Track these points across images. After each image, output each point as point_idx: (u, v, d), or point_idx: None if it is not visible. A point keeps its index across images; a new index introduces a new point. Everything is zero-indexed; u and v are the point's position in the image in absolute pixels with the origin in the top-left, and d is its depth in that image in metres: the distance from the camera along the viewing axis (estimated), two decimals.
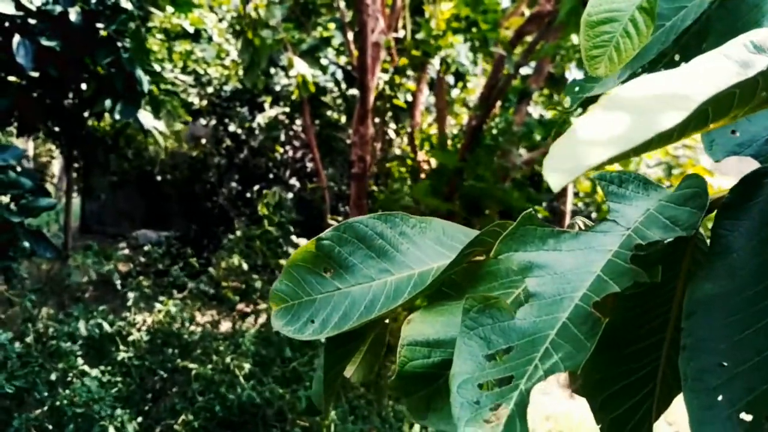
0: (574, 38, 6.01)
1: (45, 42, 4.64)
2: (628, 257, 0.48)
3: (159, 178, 9.19)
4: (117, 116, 4.91)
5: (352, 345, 0.67)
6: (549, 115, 8.13)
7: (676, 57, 0.77)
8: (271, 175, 9.11)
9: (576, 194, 8.34)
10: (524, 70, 6.72)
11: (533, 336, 0.46)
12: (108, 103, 4.98)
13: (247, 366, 3.87)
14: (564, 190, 7.84)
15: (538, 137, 6.77)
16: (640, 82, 0.38)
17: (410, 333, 0.57)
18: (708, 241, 0.52)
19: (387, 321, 0.68)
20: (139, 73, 4.83)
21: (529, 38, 6.11)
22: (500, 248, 0.51)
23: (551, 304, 0.47)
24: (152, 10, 5.20)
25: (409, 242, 0.64)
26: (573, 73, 7.77)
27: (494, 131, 6.35)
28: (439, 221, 0.66)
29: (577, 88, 0.79)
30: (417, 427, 3.94)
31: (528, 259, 0.50)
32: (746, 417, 0.42)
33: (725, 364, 0.44)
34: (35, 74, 4.97)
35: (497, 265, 0.57)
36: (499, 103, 6.57)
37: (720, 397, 0.43)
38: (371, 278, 0.63)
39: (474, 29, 6.27)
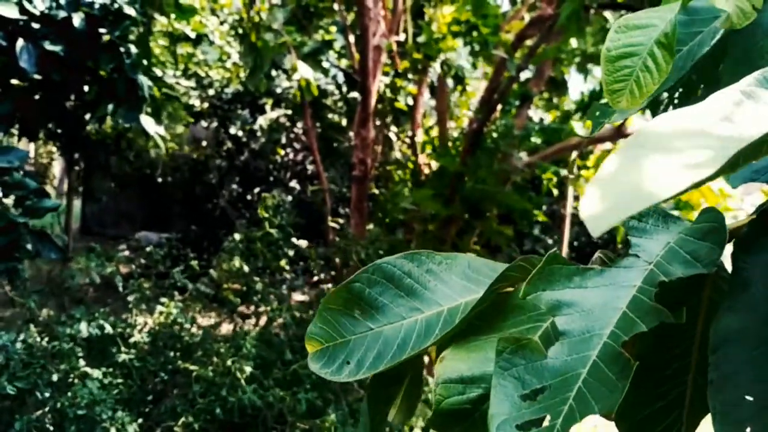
0: (574, 42, 6.04)
1: (48, 46, 4.66)
2: (652, 294, 0.50)
3: (160, 180, 9.20)
4: (119, 120, 4.92)
5: (393, 389, 0.69)
6: (549, 118, 8.15)
7: (694, 77, 0.78)
8: (271, 178, 9.13)
9: (576, 198, 8.35)
10: (525, 74, 6.74)
11: (566, 375, 0.48)
12: (110, 107, 5.00)
13: (248, 368, 3.88)
14: (564, 195, 7.86)
15: (538, 141, 6.79)
16: (677, 120, 0.39)
17: (444, 371, 0.58)
18: (728, 267, 0.53)
19: (423, 359, 0.70)
20: (141, 78, 4.85)
21: (529, 42, 6.13)
22: (528, 289, 0.53)
23: (581, 342, 0.49)
24: (156, 16, 5.22)
25: (436, 279, 0.66)
26: (573, 77, 7.79)
27: (495, 134, 6.36)
28: (464, 256, 0.69)
29: (598, 113, 0.81)
30: (417, 429, 3.95)
31: (555, 297, 0.52)
32: None
33: (753, 397, 0.45)
34: (38, 77, 4.99)
35: (525, 301, 0.58)
36: (500, 107, 6.58)
37: (748, 430, 0.44)
38: (402, 317, 0.64)
39: (475, 33, 6.29)
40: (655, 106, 0.85)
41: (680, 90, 0.80)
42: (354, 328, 0.65)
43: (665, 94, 0.82)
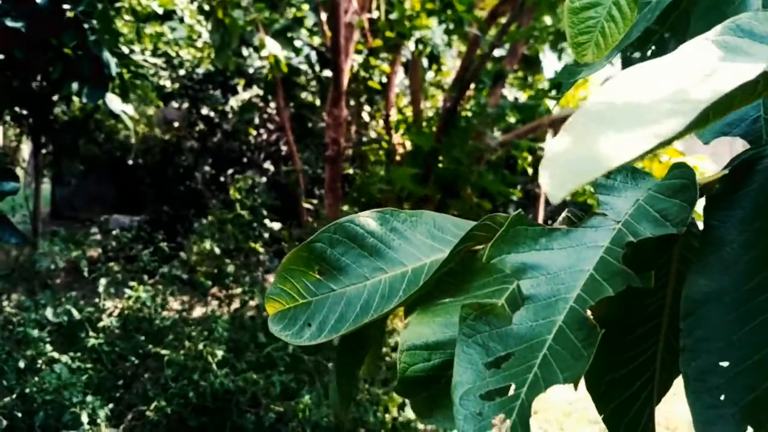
0: (548, 20, 6.01)
1: (9, 23, 4.52)
2: (619, 255, 0.47)
3: (131, 162, 9.07)
4: (84, 100, 4.81)
5: (359, 352, 0.67)
6: (524, 96, 8.13)
7: (666, 34, 0.76)
8: (245, 159, 9.03)
9: None
10: (498, 52, 6.70)
11: (531, 341, 0.46)
12: (75, 86, 4.87)
13: (220, 352, 3.84)
14: (539, 173, 7.85)
15: (512, 119, 6.78)
16: (637, 79, 0.36)
17: (409, 337, 0.57)
18: (699, 224, 0.51)
19: (386, 319, 0.68)
20: (107, 55, 4.73)
21: (502, 20, 6.08)
22: (492, 252, 0.51)
23: (546, 307, 0.47)
24: None
25: (400, 238, 0.64)
26: (547, 55, 7.78)
27: (469, 113, 6.33)
28: (429, 214, 0.66)
29: (567, 74, 0.79)
30: (393, 411, 3.94)
31: (520, 260, 0.50)
32: (750, 415, 0.42)
33: (726, 363, 0.43)
34: (0, 57, 4.85)
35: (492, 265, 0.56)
36: (473, 85, 6.54)
37: (723, 397, 0.43)
38: (365, 278, 0.63)
39: (449, 11, 6.23)
40: (628, 66, 0.82)
41: (653, 48, 0.77)
42: (315, 289, 0.63)
43: (638, 54, 0.79)
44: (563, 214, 0.59)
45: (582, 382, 0.58)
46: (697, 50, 0.39)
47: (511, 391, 0.45)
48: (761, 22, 0.42)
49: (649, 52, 0.77)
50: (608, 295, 0.46)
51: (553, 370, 0.44)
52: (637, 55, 0.79)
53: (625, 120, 0.32)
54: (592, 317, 0.46)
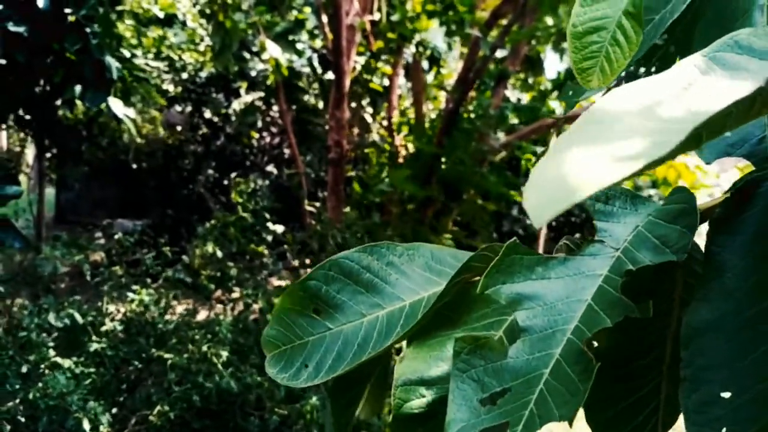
0: (549, 20, 5.99)
1: (12, 27, 4.53)
2: (618, 285, 0.46)
3: (134, 166, 9.07)
4: (87, 103, 4.82)
5: (355, 391, 0.65)
6: (526, 98, 8.12)
7: (671, 48, 0.74)
8: (248, 162, 9.03)
9: None
10: (501, 53, 6.69)
11: (527, 376, 0.45)
12: (77, 90, 4.88)
13: (224, 354, 3.83)
14: None
15: (515, 120, 6.76)
16: (626, 98, 0.35)
17: (403, 372, 0.55)
18: (702, 249, 0.50)
19: (389, 355, 0.67)
20: (109, 59, 4.74)
21: (504, 21, 6.07)
22: (486, 282, 0.50)
23: (543, 339, 0.46)
24: None
25: (397, 272, 0.62)
26: (549, 56, 7.76)
27: (472, 115, 6.32)
28: (426, 246, 0.64)
29: (571, 92, 0.77)
30: None
31: (516, 290, 0.49)
32: None
33: (727, 394, 0.42)
34: (3, 61, 4.86)
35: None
36: (476, 87, 6.53)
37: (724, 430, 0.41)
38: (362, 314, 0.61)
39: (451, 12, 6.22)
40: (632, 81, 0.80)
41: (657, 64, 0.76)
42: (312, 328, 0.62)
43: (642, 69, 0.78)
44: (561, 242, 0.57)
45: (581, 415, 0.58)
46: (691, 67, 0.38)
47: (507, 430, 0.43)
48: (760, 38, 0.40)
49: (653, 68, 0.76)
50: (606, 327, 0.45)
51: (549, 407, 0.43)
52: (641, 70, 0.78)
53: (609, 143, 0.31)
54: (594, 346, 0.45)
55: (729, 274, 0.45)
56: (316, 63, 7.93)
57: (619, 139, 0.31)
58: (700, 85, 0.35)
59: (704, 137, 0.36)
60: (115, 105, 4.96)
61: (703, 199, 0.51)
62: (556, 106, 7.10)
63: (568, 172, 0.30)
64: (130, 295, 4.23)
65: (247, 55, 7.19)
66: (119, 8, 5.70)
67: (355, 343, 0.59)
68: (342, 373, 0.59)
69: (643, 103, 0.34)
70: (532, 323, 0.47)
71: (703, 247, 0.51)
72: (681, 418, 0.55)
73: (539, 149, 7.38)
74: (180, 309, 4.65)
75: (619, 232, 0.51)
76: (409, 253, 0.63)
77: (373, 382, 0.67)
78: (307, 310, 0.62)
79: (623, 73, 0.74)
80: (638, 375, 0.55)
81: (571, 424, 0.44)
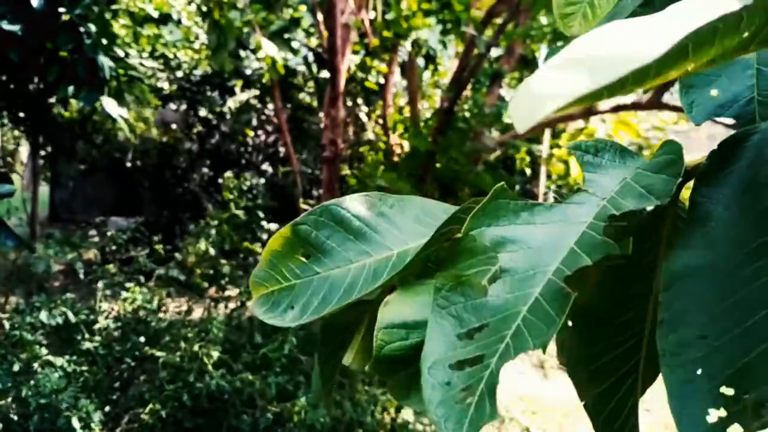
0: (544, 19, 5.99)
1: (6, 26, 4.52)
2: (601, 229, 0.47)
3: (129, 164, 9.05)
4: (80, 103, 4.81)
5: (343, 337, 0.66)
6: None
7: (657, 5, 0.74)
8: (243, 161, 9.02)
9: (549, 176, 8.36)
10: (496, 52, 6.70)
11: (505, 313, 0.45)
12: (71, 89, 4.87)
13: (216, 353, 3.82)
14: (537, 174, 7.85)
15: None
16: (612, 24, 0.35)
17: (387, 315, 0.56)
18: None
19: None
20: (102, 58, 4.73)
21: (499, 20, 6.07)
22: (472, 223, 0.50)
23: (524, 280, 0.46)
24: None
25: (387, 222, 0.63)
26: (544, 54, 7.75)
27: (466, 114, 6.32)
28: (418, 199, 0.65)
29: (553, 54, 0.78)
30: (391, 411, 3.93)
31: (500, 233, 0.49)
32: (727, 391, 0.40)
33: (705, 336, 0.42)
34: None
35: (474, 241, 0.55)
36: (470, 85, 6.53)
37: (699, 371, 0.41)
38: (350, 261, 0.62)
39: (446, 11, 6.22)
40: None
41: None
42: (300, 272, 0.63)
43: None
44: (550, 193, 0.58)
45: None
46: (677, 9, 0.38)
47: (482, 361, 0.44)
48: None
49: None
50: (587, 265, 0.45)
51: (524, 339, 0.44)
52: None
53: (596, 53, 0.32)
54: (570, 291, 0.45)
55: (713, 223, 0.46)
56: (311, 61, 7.92)
57: (602, 51, 0.32)
58: (687, 5, 0.35)
59: (691, 52, 0.36)
60: (109, 105, 4.95)
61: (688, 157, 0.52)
62: None
63: (553, 81, 0.31)
64: (124, 293, 4.22)
65: (242, 54, 7.19)
66: (114, 7, 5.69)
67: (341, 288, 0.60)
68: (330, 320, 0.60)
69: (627, 27, 0.34)
70: (514, 265, 0.47)
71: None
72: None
73: (534, 148, 7.39)
74: (173, 307, 4.65)
75: (607, 183, 0.51)
76: (400, 205, 0.64)
77: (363, 332, 0.67)
78: (296, 254, 0.63)
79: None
80: (621, 330, 0.56)
81: (544, 351, 0.44)
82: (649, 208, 0.47)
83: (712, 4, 0.34)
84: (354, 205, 0.64)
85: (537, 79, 0.32)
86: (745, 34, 0.38)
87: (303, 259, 0.63)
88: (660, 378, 0.57)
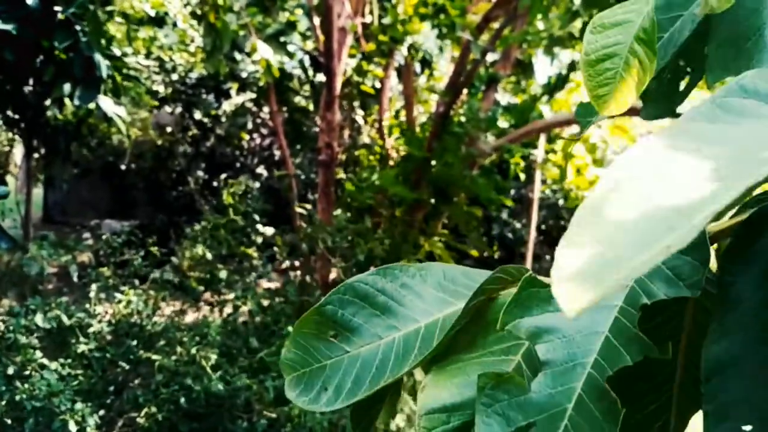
0: (540, 24, 6.01)
1: (0, 25, 4.50)
2: (634, 318, 0.46)
3: (123, 167, 9.03)
4: (76, 102, 4.78)
5: (373, 410, 0.66)
6: (517, 101, 8.14)
7: (681, 62, 0.74)
8: (238, 164, 9.01)
9: (544, 181, 8.37)
10: (492, 56, 6.71)
11: (551, 410, 0.45)
12: (67, 88, 4.84)
13: (213, 356, 3.81)
14: (532, 178, 7.86)
15: (505, 124, 6.77)
16: (644, 173, 0.32)
17: (426, 401, 0.56)
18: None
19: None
20: (98, 57, 4.71)
21: (495, 24, 6.08)
22: (506, 318, 0.50)
23: (564, 373, 0.46)
24: None
25: (411, 293, 0.63)
26: (540, 60, 7.78)
27: (462, 118, 6.33)
28: (438, 266, 0.66)
29: (585, 112, 0.77)
30: (398, 419, 3.92)
31: (534, 324, 0.50)
32: None
33: (749, 428, 0.42)
34: None
35: (510, 335, 0.56)
36: (466, 90, 6.54)
37: None
38: (379, 337, 0.62)
39: (442, 15, 6.22)
40: (644, 93, 0.80)
41: (668, 77, 0.75)
42: (329, 352, 0.63)
43: (654, 84, 0.78)
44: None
45: None
46: (703, 123, 0.36)
47: None
48: (765, 80, 0.40)
49: (666, 81, 0.76)
50: (627, 365, 0.45)
51: None
52: (653, 85, 0.78)
53: (636, 230, 0.29)
54: (617, 399, 0.45)
55: (744, 305, 0.45)
56: (307, 65, 7.92)
57: (647, 225, 0.29)
58: (721, 160, 0.32)
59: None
60: (105, 103, 4.93)
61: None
62: (546, 110, 7.11)
63: (602, 258, 0.28)
64: (118, 296, 4.20)
65: (238, 57, 7.18)
66: (109, 8, 5.67)
67: (374, 366, 0.60)
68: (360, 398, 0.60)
69: (653, 202, 0.31)
70: (552, 356, 0.47)
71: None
72: None
73: (529, 152, 7.40)
74: (168, 311, 4.63)
75: None
76: (421, 274, 0.64)
77: (386, 401, 0.68)
78: (324, 335, 0.63)
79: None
80: (649, 393, 0.56)
81: None
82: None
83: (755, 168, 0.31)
84: (376, 279, 0.64)
85: (580, 254, 0.29)
86: None
87: (332, 339, 0.63)
88: None
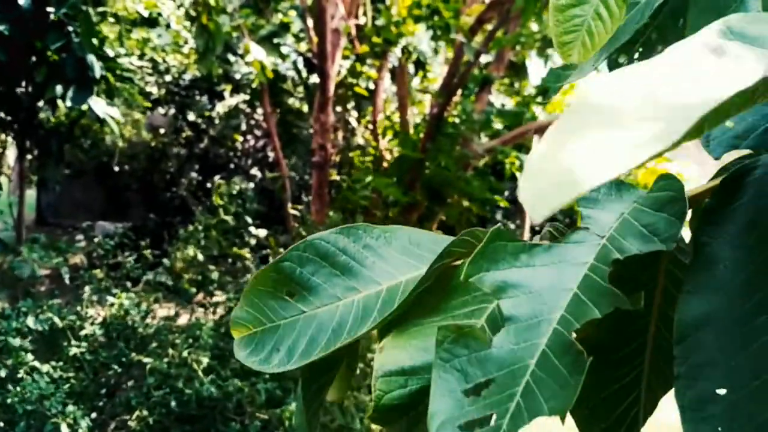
0: (534, 26, 6.02)
1: None
2: (605, 273, 0.44)
3: (117, 168, 9.01)
4: (68, 103, 4.77)
5: (328, 375, 0.63)
6: (511, 103, 8.15)
7: (653, 36, 0.73)
8: (232, 165, 9.00)
9: None
10: (485, 58, 6.71)
11: (512, 366, 0.43)
12: (59, 89, 4.83)
13: (204, 359, 3.80)
14: None
15: (499, 126, 6.78)
16: (624, 82, 0.33)
17: (384, 362, 0.53)
18: (685, 235, 0.49)
19: (358, 342, 0.64)
20: (91, 58, 4.70)
21: (489, 26, 6.09)
22: (470, 269, 0.48)
23: (528, 329, 0.44)
24: None
25: (374, 255, 0.60)
26: (533, 61, 7.79)
27: (456, 119, 6.33)
28: (404, 229, 0.62)
29: (554, 78, 0.76)
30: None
31: (500, 278, 0.47)
32: None
33: (723, 391, 0.41)
34: None
35: (473, 287, 0.52)
36: (460, 91, 6.55)
37: (721, 427, 0.40)
38: (338, 298, 0.59)
39: (436, 17, 6.23)
40: (614, 69, 0.80)
41: (639, 51, 0.75)
42: (284, 311, 0.59)
43: (624, 58, 0.77)
44: (545, 229, 0.55)
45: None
46: (687, 53, 0.36)
47: (492, 422, 0.41)
48: (752, 23, 0.39)
49: (636, 55, 0.75)
50: (595, 318, 0.43)
51: (537, 399, 0.41)
52: (623, 59, 0.77)
53: (608, 133, 0.29)
54: (582, 350, 0.43)
55: (720, 266, 0.44)
56: (301, 66, 7.91)
57: (620, 128, 0.29)
58: (699, 72, 0.33)
59: (706, 127, 0.35)
60: (98, 105, 4.92)
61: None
62: (539, 111, 7.12)
63: (571, 163, 0.28)
64: (110, 298, 4.18)
65: (231, 58, 7.17)
66: (101, 9, 5.66)
67: (330, 328, 0.57)
68: (311, 361, 0.57)
69: (644, 88, 0.32)
70: (516, 312, 0.45)
71: (685, 234, 0.50)
72: (668, 413, 0.55)
73: (517, 155, 7.41)
74: (161, 313, 4.61)
75: (604, 219, 0.49)
76: (386, 236, 0.61)
77: (342, 369, 0.65)
78: (280, 292, 0.60)
79: (605, 61, 0.73)
80: (620, 363, 0.54)
81: (563, 420, 0.42)
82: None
83: (727, 78, 0.32)
84: (339, 238, 0.61)
85: (550, 158, 0.29)
86: (756, 98, 0.37)
87: (287, 298, 0.59)
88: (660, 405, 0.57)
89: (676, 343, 0.44)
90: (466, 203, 6.50)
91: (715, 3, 0.62)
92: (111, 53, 5.68)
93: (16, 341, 3.64)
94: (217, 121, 8.89)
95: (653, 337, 0.54)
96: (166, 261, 4.72)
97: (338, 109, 7.33)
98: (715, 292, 0.44)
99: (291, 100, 8.47)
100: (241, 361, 0.59)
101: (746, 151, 0.55)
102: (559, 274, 0.46)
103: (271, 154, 8.73)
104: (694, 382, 0.42)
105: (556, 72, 0.76)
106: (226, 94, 8.79)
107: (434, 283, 0.56)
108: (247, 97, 8.53)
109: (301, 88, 8.35)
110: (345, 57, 6.53)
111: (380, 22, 6.17)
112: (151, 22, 7.10)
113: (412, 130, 6.90)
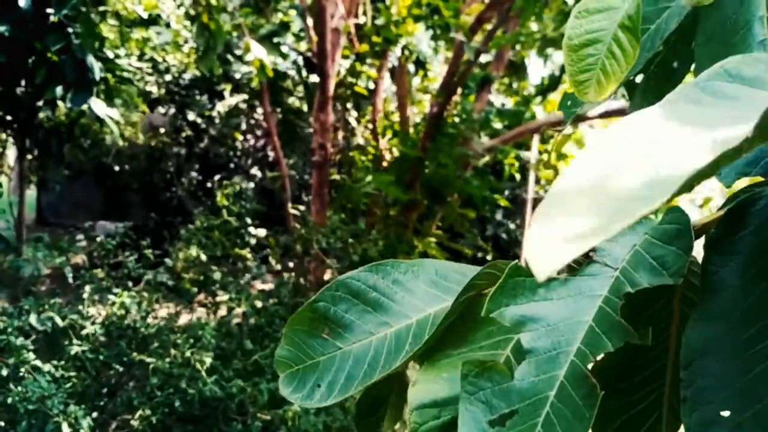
0: (534, 26, 6.02)
1: None
2: (617, 306, 0.47)
3: (117, 168, 9.00)
4: (68, 104, 4.77)
5: (379, 412, 0.67)
6: (510, 102, 8.15)
7: (667, 54, 0.74)
8: (231, 165, 9.00)
9: (538, 182, 8.39)
10: (485, 57, 6.72)
11: (534, 398, 0.46)
12: (59, 90, 4.83)
13: (207, 359, 3.80)
14: (525, 179, 7.88)
15: (499, 125, 6.79)
16: (586, 169, 0.34)
17: (417, 395, 0.56)
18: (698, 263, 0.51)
19: (406, 374, 0.69)
20: (91, 59, 4.70)
21: (489, 26, 6.10)
22: (491, 305, 0.51)
23: (547, 361, 0.47)
24: None
25: (403, 290, 0.64)
26: (533, 61, 7.80)
27: (455, 119, 6.34)
28: (430, 262, 0.66)
29: (569, 102, 0.77)
30: None
31: (519, 312, 0.50)
32: None
33: (727, 414, 0.42)
34: None
35: (494, 323, 0.56)
36: (460, 91, 6.55)
37: None
38: (371, 333, 0.63)
39: (436, 17, 6.24)
40: (631, 89, 0.81)
41: (654, 70, 0.75)
42: (322, 348, 0.63)
43: (640, 77, 0.78)
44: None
45: None
46: (679, 105, 0.37)
47: None
48: (750, 65, 0.40)
49: (651, 75, 0.76)
50: (608, 351, 0.46)
51: (555, 430, 0.44)
52: (639, 78, 0.78)
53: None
54: (593, 365, 0.46)
55: (725, 294, 0.46)
56: (301, 66, 7.91)
57: (609, 203, 0.31)
58: (688, 142, 0.33)
59: (695, 184, 0.34)
60: (97, 106, 4.92)
61: (694, 218, 0.52)
62: (539, 111, 7.13)
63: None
64: (112, 298, 4.19)
65: (231, 58, 7.17)
66: (102, 8, 5.66)
67: (365, 362, 0.61)
68: (363, 398, 0.61)
69: (598, 179, 0.33)
70: (536, 345, 0.48)
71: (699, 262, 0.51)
72: None
73: (522, 154, 7.41)
74: (162, 313, 4.62)
75: (617, 251, 0.51)
76: (413, 270, 0.65)
77: (391, 402, 0.68)
78: (317, 331, 0.64)
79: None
80: (639, 389, 0.56)
81: None
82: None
83: (714, 133, 0.33)
84: (368, 276, 0.65)
85: (550, 221, 0.31)
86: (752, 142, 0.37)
87: (324, 336, 0.63)
88: None
89: (683, 367, 0.46)
90: (460, 210, 6.53)
91: (722, 29, 0.63)
92: (111, 54, 5.68)
93: (19, 340, 3.64)
94: (217, 121, 8.89)
95: (672, 360, 0.56)
96: (167, 261, 4.72)
97: (338, 108, 7.33)
98: (720, 320, 0.46)
99: (291, 100, 8.47)
100: (287, 397, 0.63)
101: (758, 179, 0.56)
102: (575, 306, 0.49)
103: (271, 154, 8.73)
104: (700, 405, 0.44)
105: (571, 97, 0.76)
106: (226, 93, 8.79)
107: (461, 316, 0.59)
108: (247, 97, 8.53)
109: (301, 88, 8.35)
110: (345, 56, 6.54)
111: (380, 21, 6.18)
112: (150, 21, 7.10)
113: (411, 130, 6.90)
